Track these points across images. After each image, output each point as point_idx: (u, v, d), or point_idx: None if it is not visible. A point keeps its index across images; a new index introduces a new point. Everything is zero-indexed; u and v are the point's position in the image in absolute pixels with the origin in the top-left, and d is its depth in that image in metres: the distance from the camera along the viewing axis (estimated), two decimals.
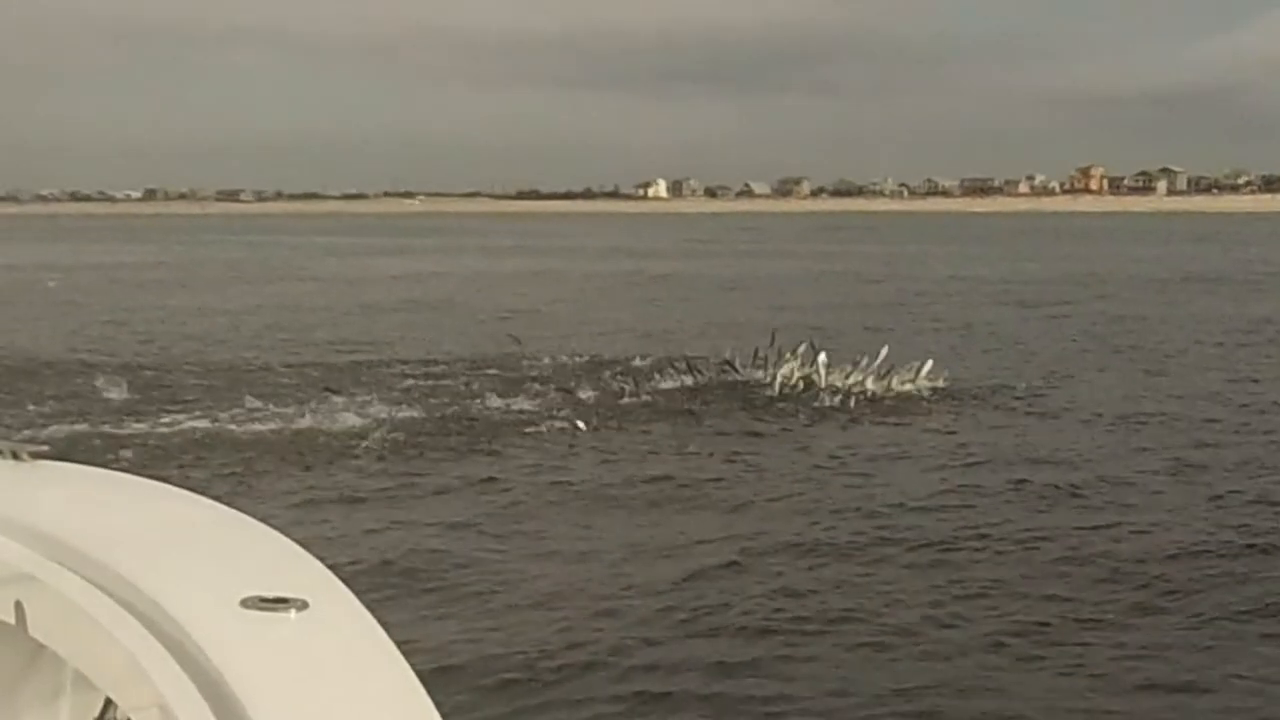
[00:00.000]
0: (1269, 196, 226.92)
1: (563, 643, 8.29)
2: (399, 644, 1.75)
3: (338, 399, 17.16)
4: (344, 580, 1.92)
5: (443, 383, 19.18)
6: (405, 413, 16.53)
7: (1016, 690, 7.60)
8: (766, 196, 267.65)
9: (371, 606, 1.85)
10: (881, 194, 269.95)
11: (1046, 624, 8.71)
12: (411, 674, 1.64)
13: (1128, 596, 9.31)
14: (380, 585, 9.13)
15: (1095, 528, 11.14)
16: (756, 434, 15.65)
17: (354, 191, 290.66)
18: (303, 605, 1.74)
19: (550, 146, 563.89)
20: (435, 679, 7.13)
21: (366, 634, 1.73)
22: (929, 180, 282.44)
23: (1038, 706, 7.38)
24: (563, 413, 16.34)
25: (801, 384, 18.05)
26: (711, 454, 14.45)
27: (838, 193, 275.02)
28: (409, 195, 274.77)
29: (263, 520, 2.18)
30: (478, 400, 17.37)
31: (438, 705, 1.59)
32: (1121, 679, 7.76)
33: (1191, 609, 8.99)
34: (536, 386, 18.27)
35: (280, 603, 1.74)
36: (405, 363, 21.66)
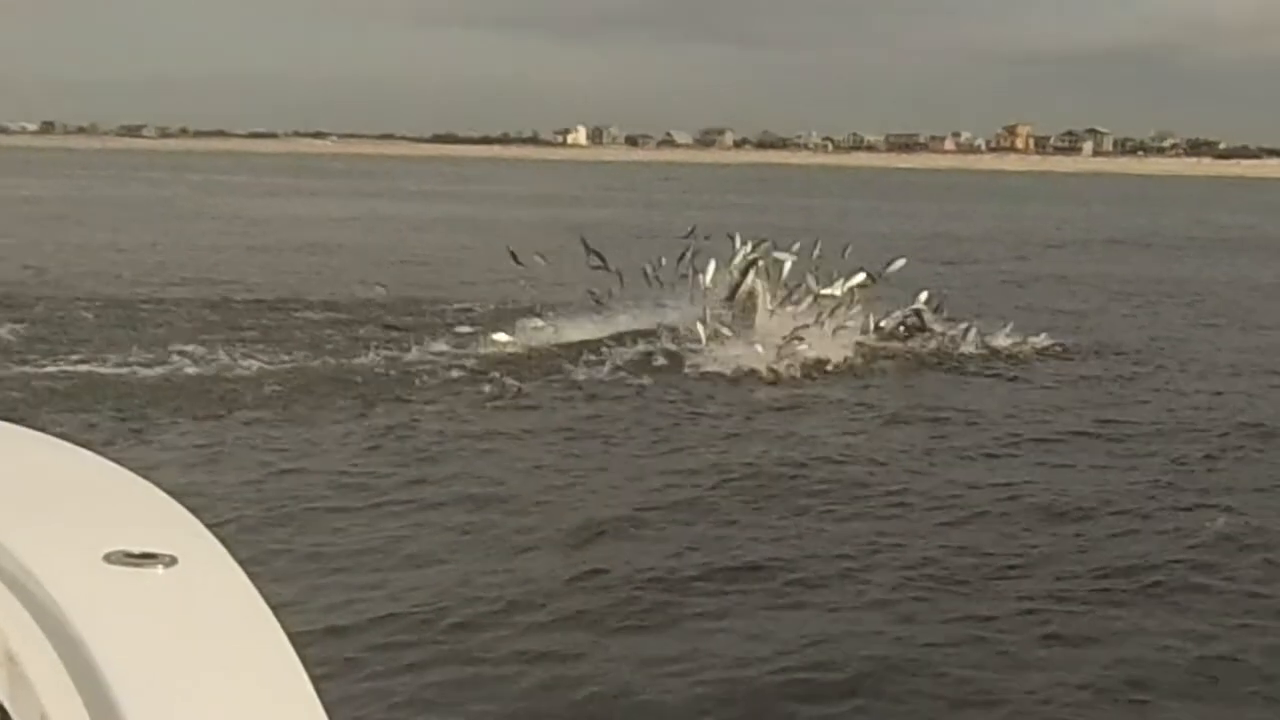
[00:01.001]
0: (1194, 160, 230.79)
1: (458, 598, 8.17)
2: (274, 603, 1.72)
3: (233, 343, 16.88)
4: (219, 536, 1.88)
5: (343, 329, 18.92)
6: (303, 359, 16.29)
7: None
8: (689, 146, 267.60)
9: (247, 564, 1.81)
10: (805, 147, 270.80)
11: (954, 571, 8.89)
12: (282, 635, 1.60)
13: (1036, 546, 9.54)
14: (261, 540, 8.94)
15: (1008, 484, 11.33)
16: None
17: (263, 130, 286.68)
18: (171, 561, 1.69)
19: (468, 89, 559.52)
20: (320, 638, 7.14)
21: (237, 592, 1.69)
22: (854, 135, 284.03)
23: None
24: (468, 362, 16.21)
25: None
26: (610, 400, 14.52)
27: (761, 145, 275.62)
28: (320, 135, 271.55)
29: (140, 472, 2.13)
30: (379, 347, 17.10)
31: (319, 665, 1.56)
32: (1028, 630, 7.94)
33: (1080, 566, 9.17)
34: (442, 333, 18.08)
35: (147, 558, 1.69)
36: (306, 306, 21.37)
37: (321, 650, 6.86)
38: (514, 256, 19.95)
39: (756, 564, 9.07)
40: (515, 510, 10.28)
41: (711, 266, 18.89)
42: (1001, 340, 18.53)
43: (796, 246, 19.09)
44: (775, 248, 19.20)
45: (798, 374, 16.41)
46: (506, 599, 8.23)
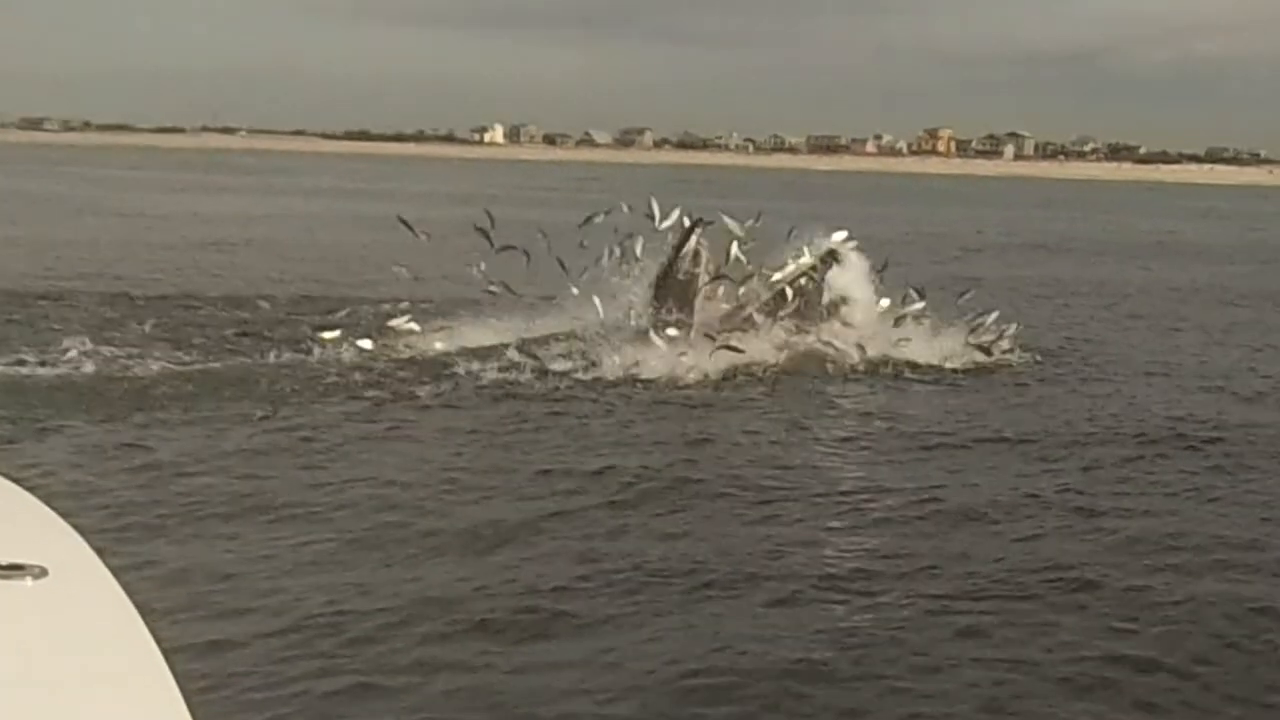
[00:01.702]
0: (1114, 165, 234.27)
1: (356, 607, 8.05)
2: (152, 615, 1.68)
3: (132, 342, 16.64)
4: (96, 546, 1.83)
5: (247, 328, 18.71)
6: (204, 359, 16.09)
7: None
8: (608, 146, 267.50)
9: (124, 574, 1.77)
10: (726, 148, 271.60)
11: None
12: (155, 649, 1.56)
13: (947, 548, 9.62)
14: (144, 550, 8.79)
15: (922, 487, 11.39)
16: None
17: (170, 125, 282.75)
18: (41, 573, 1.64)
19: (382, 85, 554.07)
20: (204, 652, 6.95)
21: (109, 605, 1.64)
22: (775, 136, 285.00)
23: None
24: (373, 364, 16.09)
25: None
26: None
27: (682, 145, 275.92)
28: (230, 131, 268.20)
29: (18, 477, 2.07)
30: (283, 346, 16.95)
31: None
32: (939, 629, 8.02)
33: (992, 566, 9.27)
34: (347, 334, 17.59)
35: (15, 569, 1.65)
36: (208, 304, 21.12)
37: (205, 664, 6.73)
38: (406, 225, 19.75)
39: (661, 569, 9.04)
40: (416, 516, 10.16)
41: (639, 245, 18.49)
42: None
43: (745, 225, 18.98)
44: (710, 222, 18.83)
45: (721, 374, 16.43)
46: (406, 607, 8.12)
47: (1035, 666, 7.59)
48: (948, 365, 17.63)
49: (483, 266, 18.64)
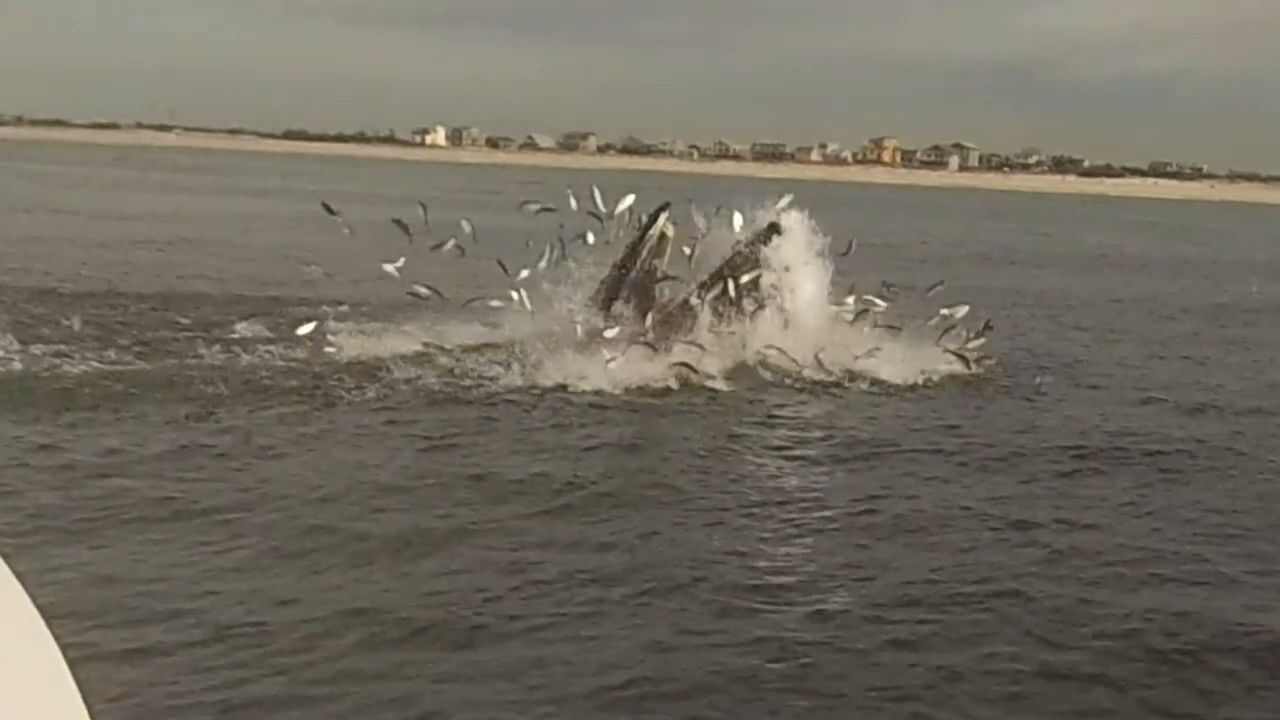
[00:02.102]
0: (1058, 178, 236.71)
1: (279, 614, 7.99)
2: (60, 623, 1.64)
3: (57, 340, 16.45)
4: (1, 550, 1.79)
5: (175, 328, 18.47)
6: (131, 359, 15.93)
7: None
8: (552, 150, 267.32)
9: (32, 580, 1.73)
10: (671, 154, 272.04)
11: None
12: (60, 659, 1.52)
13: (882, 555, 9.65)
14: (57, 555, 8.68)
15: (862, 497, 11.45)
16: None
17: (105, 121, 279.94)
18: None
19: (322, 85, 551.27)
20: (120, 660, 6.77)
21: (11, 611, 1.62)
22: (720, 143, 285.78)
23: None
24: (305, 367, 15.98)
25: None
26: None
27: (626, 150, 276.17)
28: (166, 128, 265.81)
29: None
30: (212, 347, 16.84)
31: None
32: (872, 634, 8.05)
33: (924, 574, 9.34)
34: (279, 335, 17.71)
35: None
36: (139, 301, 20.91)
37: (118, 672, 6.66)
38: (328, 209, 19.59)
39: (592, 577, 9.02)
40: (343, 523, 10.08)
41: (589, 237, 18.13)
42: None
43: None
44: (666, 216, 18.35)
45: (662, 381, 16.39)
46: (330, 615, 8.05)
47: (965, 677, 7.61)
48: (920, 378, 17.41)
49: (394, 266, 18.25)
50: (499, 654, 7.69)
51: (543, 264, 18.15)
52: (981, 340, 18.67)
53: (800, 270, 18.65)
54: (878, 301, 18.82)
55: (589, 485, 11.48)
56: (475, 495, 11.08)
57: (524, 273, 18.08)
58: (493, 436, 13.40)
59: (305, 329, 17.09)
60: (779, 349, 17.60)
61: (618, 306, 17.82)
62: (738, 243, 18.60)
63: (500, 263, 18.13)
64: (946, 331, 18.38)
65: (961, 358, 18.11)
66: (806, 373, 17.28)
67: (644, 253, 18.06)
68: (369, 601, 8.36)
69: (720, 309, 17.95)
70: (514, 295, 17.81)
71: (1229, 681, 7.85)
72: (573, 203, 18.56)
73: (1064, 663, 7.89)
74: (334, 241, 19.37)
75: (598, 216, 18.42)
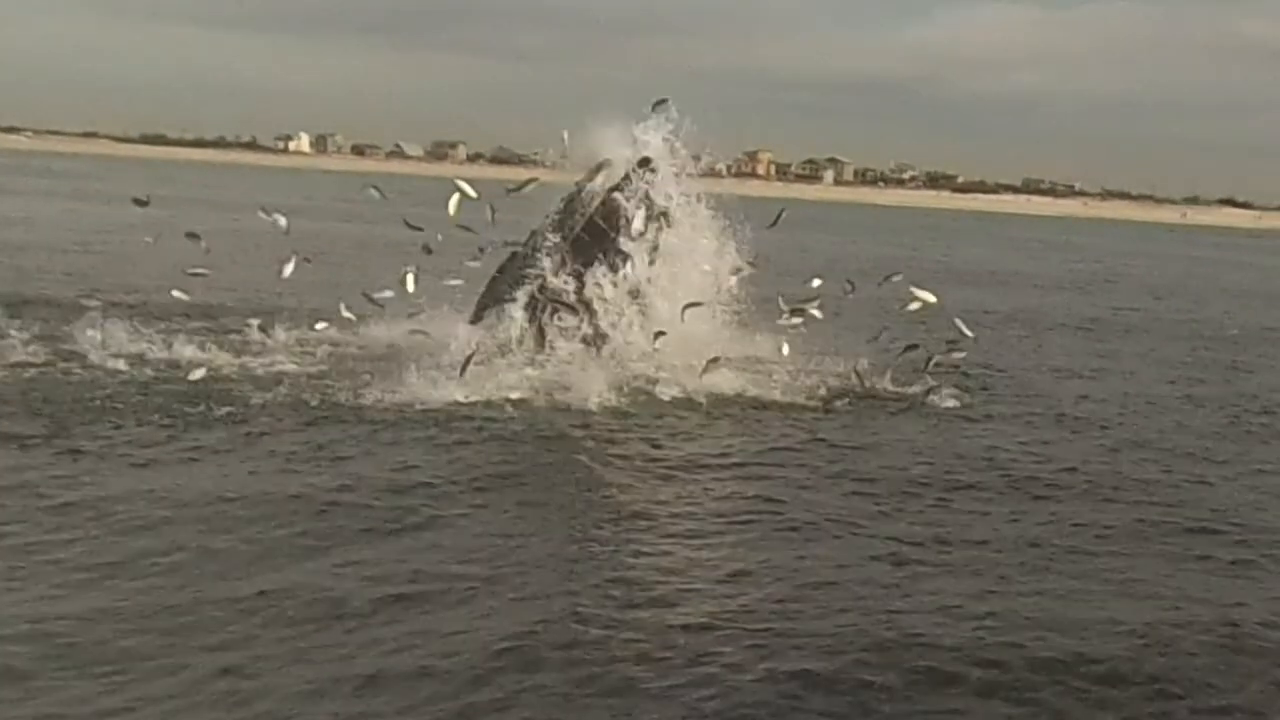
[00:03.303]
0: (932, 193, 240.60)
1: (112, 623, 8.00)
2: None
3: None
4: None
5: (26, 338, 17.74)
6: None
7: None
8: (419, 159, 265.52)
9: None
10: (542, 165, 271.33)
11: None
12: None
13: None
14: None
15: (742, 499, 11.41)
16: None
17: None
18: None
19: (180, 88, 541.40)
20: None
21: None
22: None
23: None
24: (162, 384, 15.53)
25: None
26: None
27: (496, 160, 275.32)
28: (14, 130, 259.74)
29: None
30: (64, 359, 16.44)
31: None
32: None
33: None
34: (130, 347, 17.30)
35: None
36: None
37: None
38: (138, 201, 19.30)
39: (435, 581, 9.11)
40: (184, 532, 10.00)
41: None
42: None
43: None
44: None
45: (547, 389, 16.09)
46: (174, 624, 8.03)
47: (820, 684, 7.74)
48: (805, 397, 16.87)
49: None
50: (336, 665, 7.67)
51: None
52: (962, 354, 18.60)
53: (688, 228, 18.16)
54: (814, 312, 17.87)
55: (431, 489, 11.54)
56: (308, 507, 10.94)
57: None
58: (336, 459, 12.91)
59: (156, 342, 16.71)
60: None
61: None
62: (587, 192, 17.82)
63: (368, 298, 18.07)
64: (793, 312, 17.64)
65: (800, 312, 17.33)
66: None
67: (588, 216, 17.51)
68: (210, 609, 8.36)
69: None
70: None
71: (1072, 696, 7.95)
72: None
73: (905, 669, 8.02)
74: (200, 250, 18.63)
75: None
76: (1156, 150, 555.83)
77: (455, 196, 17.05)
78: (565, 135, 18.53)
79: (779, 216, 19.25)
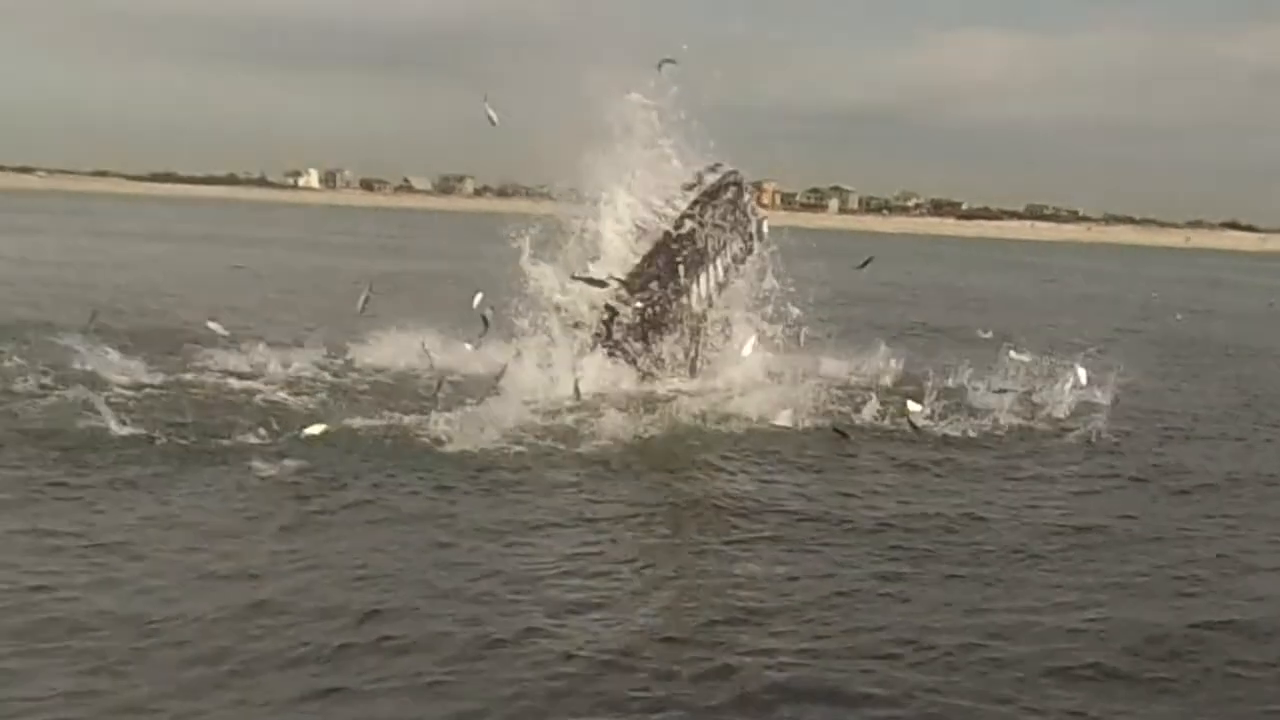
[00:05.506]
0: (937, 220, 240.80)
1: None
2: None
3: None
4: None
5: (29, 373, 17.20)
6: None
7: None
8: (427, 193, 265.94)
9: None
10: (549, 197, 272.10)
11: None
12: None
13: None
14: None
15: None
16: None
17: None
18: None
19: (191, 127, 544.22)
20: None
21: None
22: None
23: None
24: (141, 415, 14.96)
25: None
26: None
27: (503, 193, 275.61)
28: (28, 170, 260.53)
29: None
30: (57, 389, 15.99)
31: None
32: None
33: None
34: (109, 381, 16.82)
35: None
36: None
37: None
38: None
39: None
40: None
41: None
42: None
43: None
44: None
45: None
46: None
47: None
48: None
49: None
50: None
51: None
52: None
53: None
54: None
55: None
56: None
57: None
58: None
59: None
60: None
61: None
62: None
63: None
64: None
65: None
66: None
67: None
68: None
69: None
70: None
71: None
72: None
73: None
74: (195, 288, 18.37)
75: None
76: (1158, 174, 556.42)
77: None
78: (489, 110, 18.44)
79: (866, 262, 18.90)
